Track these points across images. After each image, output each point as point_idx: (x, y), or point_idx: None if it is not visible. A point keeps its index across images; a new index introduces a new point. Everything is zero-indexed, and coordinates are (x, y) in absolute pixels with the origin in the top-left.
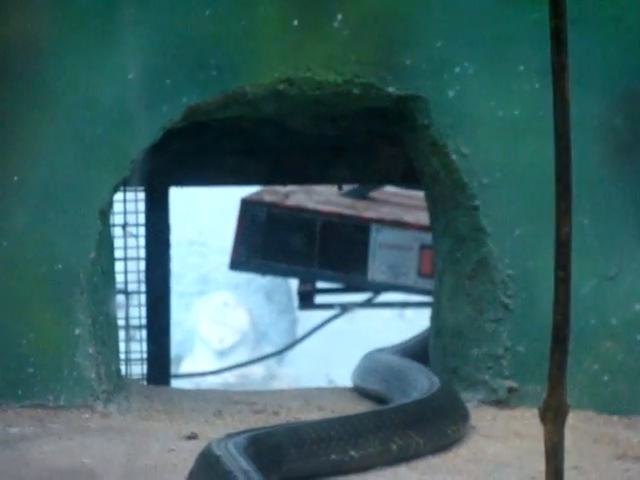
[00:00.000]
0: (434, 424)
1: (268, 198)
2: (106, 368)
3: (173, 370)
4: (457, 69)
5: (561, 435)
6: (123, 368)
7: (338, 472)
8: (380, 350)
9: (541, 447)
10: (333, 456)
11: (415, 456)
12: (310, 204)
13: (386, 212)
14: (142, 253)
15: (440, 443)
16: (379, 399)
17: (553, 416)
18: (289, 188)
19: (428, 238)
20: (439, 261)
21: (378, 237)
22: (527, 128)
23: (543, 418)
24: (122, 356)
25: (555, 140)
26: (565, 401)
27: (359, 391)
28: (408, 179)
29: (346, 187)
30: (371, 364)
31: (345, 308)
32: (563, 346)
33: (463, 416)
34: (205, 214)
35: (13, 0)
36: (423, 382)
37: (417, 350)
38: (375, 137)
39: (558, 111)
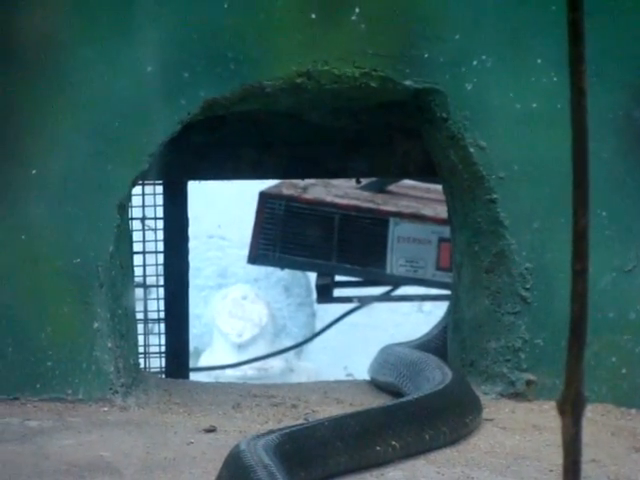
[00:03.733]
0: (455, 414)
1: (286, 191)
2: (125, 362)
3: (192, 363)
4: (475, 62)
5: (579, 428)
6: (142, 361)
7: (381, 463)
8: (398, 344)
9: (559, 440)
10: (378, 447)
11: (442, 445)
12: (328, 197)
13: (404, 205)
14: (160, 247)
15: (462, 433)
16: (394, 392)
17: (571, 408)
18: (307, 181)
19: (446, 231)
20: (457, 254)
21: (396, 230)
22: (545, 121)
23: (561, 410)
24: (141, 349)
25: (572, 132)
26: (583, 393)
27: (375, 384)
28: (426, 172)
29: (364, 180)
30: (387, 357)
31: (363, 301)
32: (581, 339)
33: (477, 407)
34: (224, 208)
35: None
36: (436, 375)
37: (435, 342)
38: (393, 130)
39: (575, 103)
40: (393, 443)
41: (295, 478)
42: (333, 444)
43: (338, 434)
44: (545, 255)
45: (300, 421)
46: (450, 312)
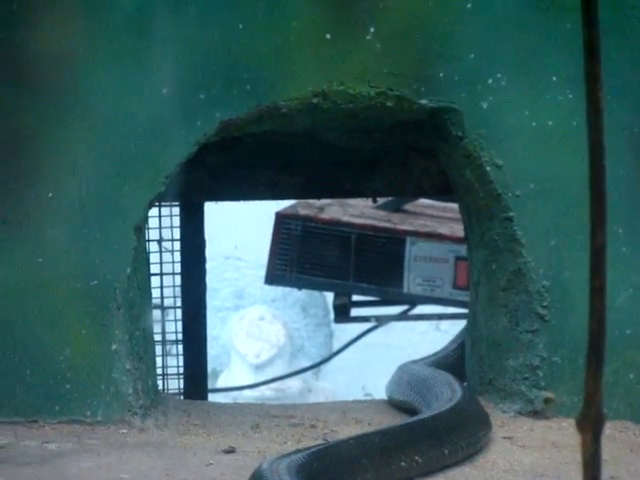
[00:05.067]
0: (469, 429)
1: (302, 212)
2: (143, 383)
3: (210, 385)
4: (490, 80)
5: (598, 445)
6: (160, 383)
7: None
8: (414, 362)
9: (578, 457)
10: (403, 463)
11: (461, 460)
12: (345, 217)
13: (421, 224)
14: (177, 268)
15: (476, 447)
16: (411, 410)
17: (590, 426)
18: (323, 201)
19: (463, 250)
20: (474, 272)
21: (413, 249)
22: (561, 139)
23: (580, 428)
24: (159, 371)
25: (589, 150)
26: (602, 411)
27: (393, 403)
28: (442, 191)
29: (380, 200)
30: (401, 376)
31: (381, 321)
32: (599, 356)
33: (487, 422)
34: (241, 228)
35: (48, 16)
36: (445, 392)
37: (450, 359)
38: (409, 149)
39: (591, 121)
40: (416, 458)
41: None
42: (359, 461)
43: (362, 451)
44: (562, 273)
45: (319, 441)
46: (467, 328)
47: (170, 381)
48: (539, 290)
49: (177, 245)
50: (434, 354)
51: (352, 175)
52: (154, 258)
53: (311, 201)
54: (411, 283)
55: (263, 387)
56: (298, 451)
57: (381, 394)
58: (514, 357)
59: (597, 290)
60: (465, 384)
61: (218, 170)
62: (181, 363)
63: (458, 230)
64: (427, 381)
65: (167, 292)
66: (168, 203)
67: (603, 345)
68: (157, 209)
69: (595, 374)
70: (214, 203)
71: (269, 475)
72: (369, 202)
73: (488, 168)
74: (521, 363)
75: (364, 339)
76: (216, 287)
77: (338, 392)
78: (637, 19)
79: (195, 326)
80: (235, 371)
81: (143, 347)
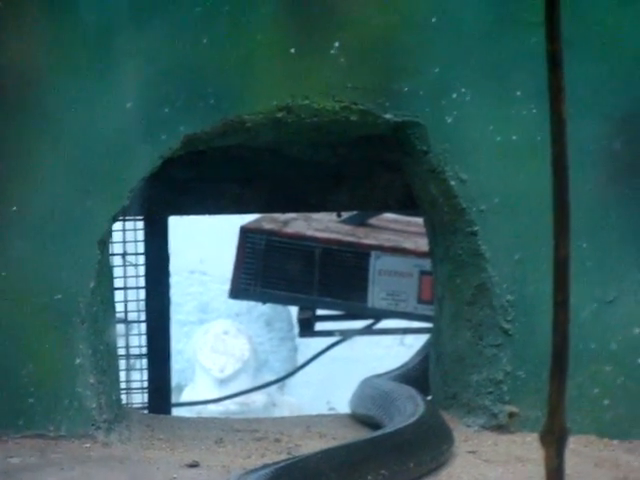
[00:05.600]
0: (433, 443)
1: (267, 226)
2: (107, 397)
3: (174, 399)
4: (455, 95)
5: (561, 459)
6: (124, 397)
7: None
8: (377, 376)
9: (542, 472)
10: (369, 477)
11: (425, 473)
12: (309, 231)
13: (385, 239)
14: (142, 282)
15: (440, 461)
16: (374, 424)
17: (553, 440)
18: (288, 216)
19: (428, 264)
20: (438, 287)
21: (377, 264)
22: (525, 153)
23: (543, 442)
24: (123, 385)
25: (552, 163)
26: (565, 425)
27: (356, 417)
28: (407, 205)
29: (345, 214)
30: (364, 390)
31: (345, 335)
32: (562, 369)
33: (450, 436)
34: (205, 243)
35: (10, 31)
36: (408, 407)
37: (414, 373)
38: (373, 164)
39: (555, 134)
40: (382, 472)
41: None
42: (327, 475)
43: (330, 466)
44: (527, 287)
45: (284, 455)
46: (431, 342)
47: (134, 395)
48: (503, 304)
49: (141, 259)
50: (397, 368)
51: (317, 189)
52: (118, 272)
53: (276, 215)
54: (375, 297)
55: (227, 401)
56: (266, 466)
57: (346, 408)
58: (478, 371)
59: (560, 304)
60: (429, 398)
61: (183, 184)
62: (145, 377)
63: (423, 244)
64: (390, 395)
65: (131, 306)
66: (132, 217)
67: (566, 359)
68: (121, 223)
69: (558, 388)
70: (179, 217)
71: None
72: (333, 216)
73: (452, 182)
74: (485, 377)
75: (329, 353)
76: (180, 301)
77: (303, 406)
78: (601, 33)
79: (159, 340)
80: (199, 385)
81: (107, 361)
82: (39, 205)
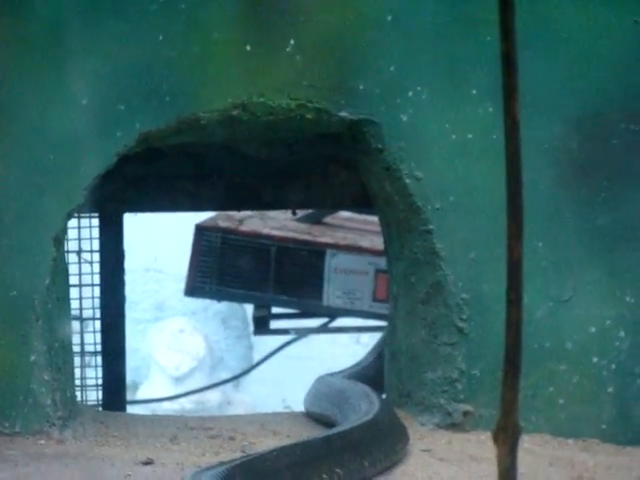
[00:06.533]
0: (387, 441)
1: (222, 224)
2: (62, 394)
3: (130, 396)
4: (410, 93)
5: (514, 457)
6: (78, 394)
7: None
8: (331, 374)
9: (496, 470)
10: (324, 475)
11: (380, 472)
12: (265, 229)
13: (341, 237)
14: (97, 279)
15: (395, 459)
16: (327, 422)
17: (506, 438)
18: (244, 214)
19: (383, 262)
20: (394, 285)
21: (333, 262)
22: (480, 152)
23: (496, 440)
24: (77, 382)
25: (506, 162)
26: (518, 423)
27: (310, 415)
28: (362, 203)
29: (300, 212)
30: (319, 389)
31: (300, 333)
32: (516, 368)
33: (405, 434)
34: (160, 240)
35: None
36: (362, 405)
37: (368, 371)
38: (329, 162)
39: (508, 133)
40: (337, 470)
41: None
42: (282, 473)
43: (285, 464)
44: (481, 286)
45: (238, 453)
46: (384, 340)
47: (89, 392)
48: (458, 303)
49: (96, 256)
50: (351, 366)
51: (272, 187)
52: (73, 269)
53: (231, 213)
54: (331, 295)
55: (183, 399)
56: (221, 464)
57: (301, 406)
58: (433, 370)
59: (513, 303)
60: (383, 396)
61: (138, 181)
62: (100, 374)
63: (378, 243)
64: (344, 393)
65: (86, 303)
66: (87, 214)
67: (519, 357)
68: (76, 220)
69: (512, 386)
70: (134, 214)
71: None
72: (289, 214)
73: (408, 181)
74: (440, 376)
75: (284, 351)
76: (136, 299)
77: (258, 404)
78: (556, 33)
79: (114, 337)
80: (155, 383)
81: (62, 358)
82: None
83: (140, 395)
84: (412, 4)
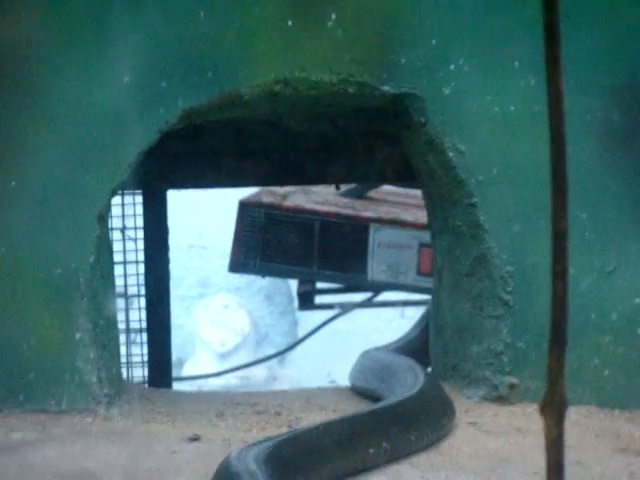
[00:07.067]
0: (434, 415)
1: (266, 199)
2: (107, 372)
3: (175, 373)
4: (452, 66)
5: (561, 429)
6: (124, 371)
7: (373, 466)
8: (376, 348)
9: (543, 442)
10: (371, 450)
11: (426, 446)
12: (308, 204)
13: (384, 211)
14: (141, 256)
15: (441, 433)
16: (374, 397)
17: (553, 410)
18: (287, 189)
19: (427, 236)
20: (438, 259)
21: (377, 236)
22: (523, 124)
23: (543, 413)
24: (123, 359)
25: (550, 134)
26: (564, 395)
27: (356, 390)
28: (405, 177)
29: (344, 187)
30: (364, 363)
31: (345, 308)
32: (562, 340)
33: (451, 408)
34: (204, 217)
35: (7, 7)
36: (408, 379)
37: (413, 345)
38: (372, 136)
39: (552, 104)
40: (384, 445)
41: None
42: (329, 449)
43: (333, 439)
44: (526, 258)
45: (284, 429)
46: (428, 313)
47: (134, 369)
48: (503, 276)
49: (140, 233)
50: (397, 340)
51: (315, 162)
52: (117, 246)
53: (274, 188)
54: (375, 270)
55: (228, 375)
56: (267, 439)
57: (346, 381)
58: (478, 343)
59: (559, 274)
60: (429, 370)
61: (181, 158)
62: (145, 351)
63: (422, 216)
64: (390, 367)
65: (131, 280)
66: (131, 191)
67: (565, 329)
68: (120, 197)
69: (558, 358)
70: (177, 191)
71: (237, 464)
72: (332, 189)
73: (451, 154)
74: (485, 349)
75: (329, 326)
76: (180, 276)
77: (303, 380)
78: (598, 3)
79: (159, 314)
80: (200, 359)
81: (107, 336)
82: (38, 180)
83: (186, 372)
84: None
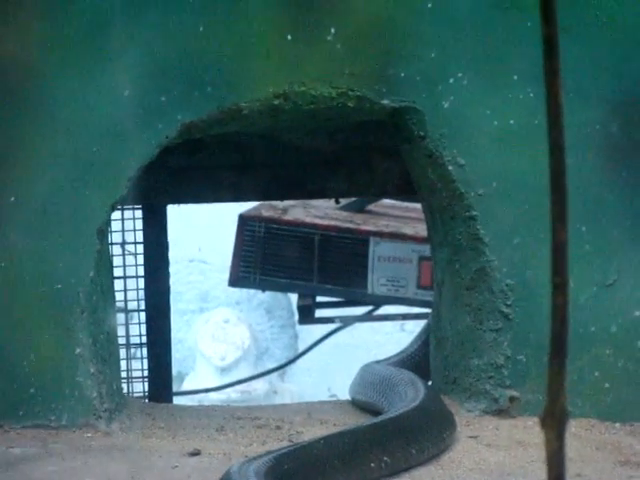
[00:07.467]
0: (435, 429)
1: (266, 213)
2: (107, 387)
3: (175, 387)
4: (451, 80)
5: (562, 442)
6: (125, 386)
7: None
8: (376, 362)
9: (544, 456)
10: (372, 464)
11: (427, 459)
12: (308, 218)
13: (384, 225)
14: (141, 271)
15: (442, 446)
16: (373, 410)
17: (553, 423)
18: (286, 203)
19: (427, 250)
20: (438, 272)
21: (377, 250)
22: (523, 137)
23: (544, 426)
24: (123, 374)
25: (549, 146)
26: (565, 407)
27: (356, 404)
28: (405, 191)
29: (343, 201)
30: (364, 377)
31: (345, 322)
32: (562, 352)
33: (452, 421)
34: (204, 231)
35: (8, 21)
36: (408, 392)
37: (413, 359)
38: (371, 150)
39: (551, 117)
40: (385, 459)
41: None
42: (330, 462)
43: (334, 452)
44: (526, 271)
45: (285, 443)
46: (429, 327)
47: (135, 384)
48: (503, 289)
49: (140, 248)
50: (397, 354)
51: (315, 176)
52: (117, 261)
53: (274, 203)
54: (375, 283)
55: (229, 389)
56: (268, 453)
57: (347, 395)
58: (478, 356)
59: (559, 287)
60: (429, 383)
61: (181, 172)
62: (146, 366)
63: (421, 230)
64: (390, 381)
65: (131, 295)
66: (131, 206)
67: (566, 342)
68: (120, 212)
69: (558, 371)
70: (177, 205)
71: (237, 478)
72: (332, 203)
73: (450, 167)
74: (486, 362)
75: (329, 340)
76: (180, 290)
77: (304, 393)
78: (597, 16)
79: (159, 329)
80: (200, 374)
81: (107, 350)
82: (37, 195)
83: (186, 386)
84: None
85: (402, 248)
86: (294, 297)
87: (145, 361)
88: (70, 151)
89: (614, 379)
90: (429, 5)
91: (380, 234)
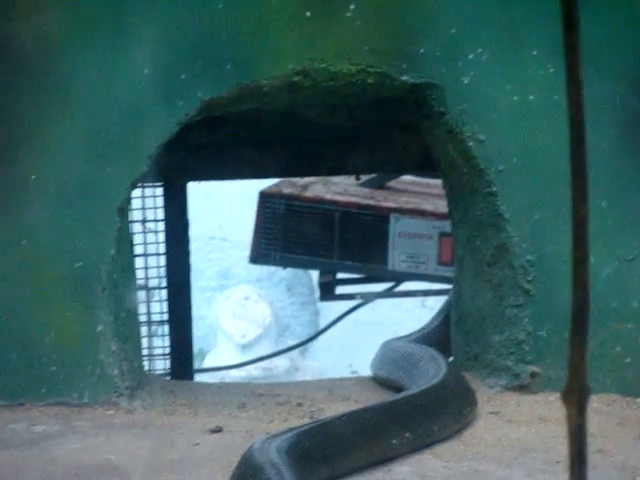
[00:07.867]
0: (456, 405)
1: (286, 190)
2: (129, 364)
3: (196, 365)
4: (471, 55)
5: (583, 417)
6: (146, 364)
7: (396, 456)
8: (398, 338)
9: (565, 431)
10: (394, 440)
11: (449, 435)
12: (328, 195)
13: (404, 201)
14: (162, 249)
15: (463, 422)
16: (395, 387)
17: (575, 398)
18: (307, 179)
19: (447, 226)
20: (458, 248)
21: (397, 226)
22: (542, 112)
23: (565, 401)
24: (145, 352)
25: (569, 122)
26: (586, 383)
27: (377, 380)
28: (425, 167)
29: (364, 177)
30: (385, 353)
31: (366, 298)
32: (583, 327)
33: (473, 397)
34: (224, 208)
35: (26, 1)
36: (430, 368)
37: (434, 335)
38: (391, 126)
39: (571, 92)
40: (407, 435)
41: (315, 475)
42: (352, 439)
43: (356, 429)
44: (546, 247)
45: (306, 419)
46: (449, 303)
47: (156, 362)
48: (523, 265)
49: (161, 226)
50: (418, 330)
51: (335, 152)
52: (138, 239)
53: (294, 179)
54: (396, 260)
55: (250, 366)
56: (290, 430)
57: (368, 371)
58: (499, 332)
59: (580, 262)
60: (450, 359)
61: (201, 150)
62: (167, 344)
63: (442, 206)
64: (412, 357)
65: (152, 273)
66: (151, 184)
67: (587, 316)
68: (140, 190)
69: (579, 346)
70: (197, 183)
71: (259, 455)
72: (352, 179)
73: (470, 143)
74: (507, 338)
75: (350, 317)
76: (201, 267)
77: (325, 370)
78: None
79: (180, 306)
80: (222, 351)
81: (128, 328)
82: (58, 173)
83: (207, 363)
84: None
85: (422, 224)
86: (315, 274)
87: (166, 339)
88: (90, 129)
89: (635, 354)
90: None
91: (400, 210)
